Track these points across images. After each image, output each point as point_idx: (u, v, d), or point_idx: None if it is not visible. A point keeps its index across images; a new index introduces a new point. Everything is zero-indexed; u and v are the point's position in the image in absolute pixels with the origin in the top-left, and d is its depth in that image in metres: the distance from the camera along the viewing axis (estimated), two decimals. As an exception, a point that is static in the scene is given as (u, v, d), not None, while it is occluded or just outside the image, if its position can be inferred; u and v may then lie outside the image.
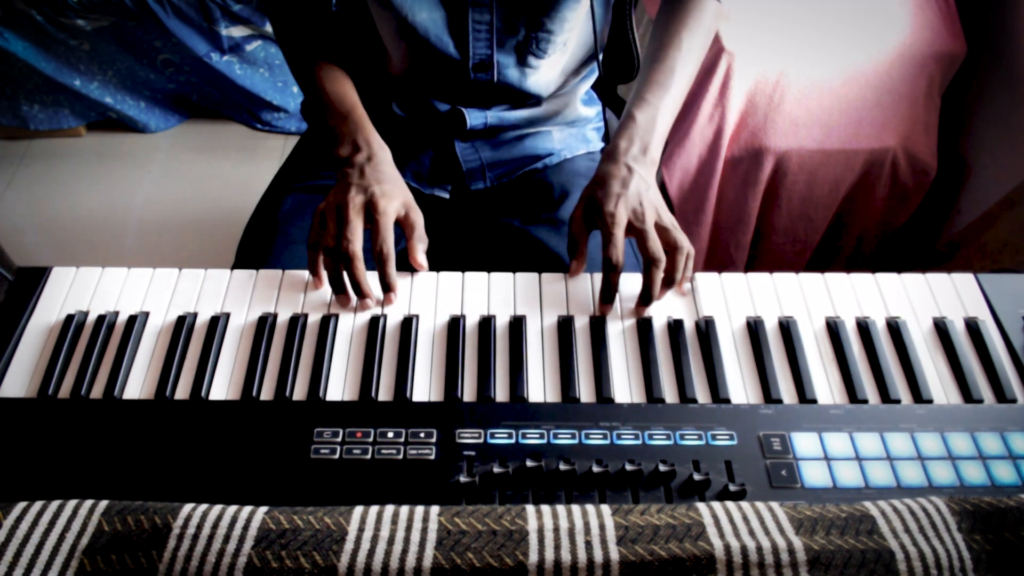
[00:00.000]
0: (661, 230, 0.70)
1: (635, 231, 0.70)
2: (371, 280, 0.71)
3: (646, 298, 0.68)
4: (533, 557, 0.42)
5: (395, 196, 0.73)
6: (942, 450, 0.60)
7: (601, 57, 0.88)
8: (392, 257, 0.69)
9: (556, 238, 0.86)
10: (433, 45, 0.81)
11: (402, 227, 0.74)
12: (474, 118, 0.90)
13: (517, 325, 0.68)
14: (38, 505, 0.44)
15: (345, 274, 0.69)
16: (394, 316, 0.70)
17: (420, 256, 0.73)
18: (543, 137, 0.96)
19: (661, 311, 0.70)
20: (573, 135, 0.99)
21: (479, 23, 0.80)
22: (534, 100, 0.91)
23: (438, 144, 0.93)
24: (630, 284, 0.73)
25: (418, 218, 0.74)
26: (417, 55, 0.84)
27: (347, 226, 0.69)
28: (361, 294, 0.69)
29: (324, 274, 0.71)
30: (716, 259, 1.51)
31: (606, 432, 0.61)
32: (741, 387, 0.65)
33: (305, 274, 0.73)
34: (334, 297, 0.70)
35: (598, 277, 0.73)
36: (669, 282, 0.69)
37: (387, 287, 0.69)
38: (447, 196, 0.96)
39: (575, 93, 0.96)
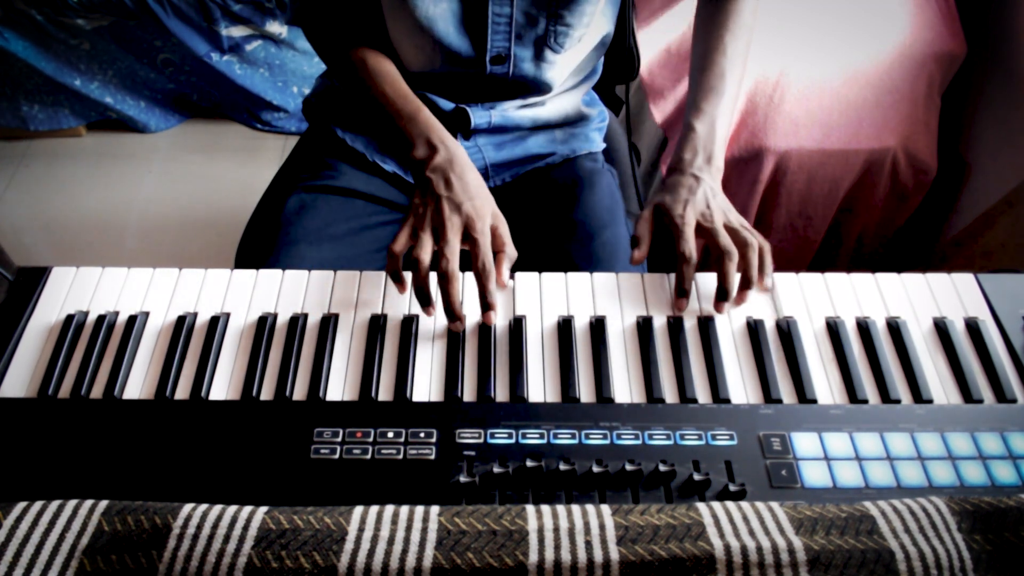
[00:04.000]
0: (731, 230, 0.72)
1: (704, 231, 0.72)
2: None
3: (722, 293, 0.69)
4: (533, 557, 0.42)
5: (487, 211, 0.72)
6: (942, 450, 0.60)
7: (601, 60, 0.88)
8: (494, 274, 0.69)
9: (559, 238, 0.86)
10: (451, 39, 0.82)
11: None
12: (478, 117, 0.90)
13: (517, 325, 0.68)
14: (38, 505, 0.44)
15: (439, 290, 0.68)
16: (394, 316, 0.70)
17: (505, 273, 0.71)
18: (546, 137, 0.96)
19: (661, 310, 0.70)
20: (576, 135, 0.99)
21: (499, 16, 0.80)
22: (541, 92, 0.91)
23: None
24: (630, 283, 0.73)
25: (506, 230, 0.74)
26: (433, 49, 0.84)
27: (447, 246, 0.68)
28: (454, 316, 0.67)
29: (408, 283, 0.71)
30: (716, 259, 1.51)
31: (606, 432, 0.61)
32: (741, 387, 0.65)
33: (305, 274, 0.73)
34: (419, 307, 0.69)
35: (597, 276, 0.73)
36: (746, 282, 0.70)
37: (487, 305, 0.68)
38: None
39: (578, 93, 0.97)
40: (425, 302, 0.68)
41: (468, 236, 0.70)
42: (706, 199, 0.74)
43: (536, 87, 0.89)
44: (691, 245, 0.70)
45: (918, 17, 1.29)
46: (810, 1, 1.31)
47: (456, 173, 0.74)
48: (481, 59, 0.84)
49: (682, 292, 0.69)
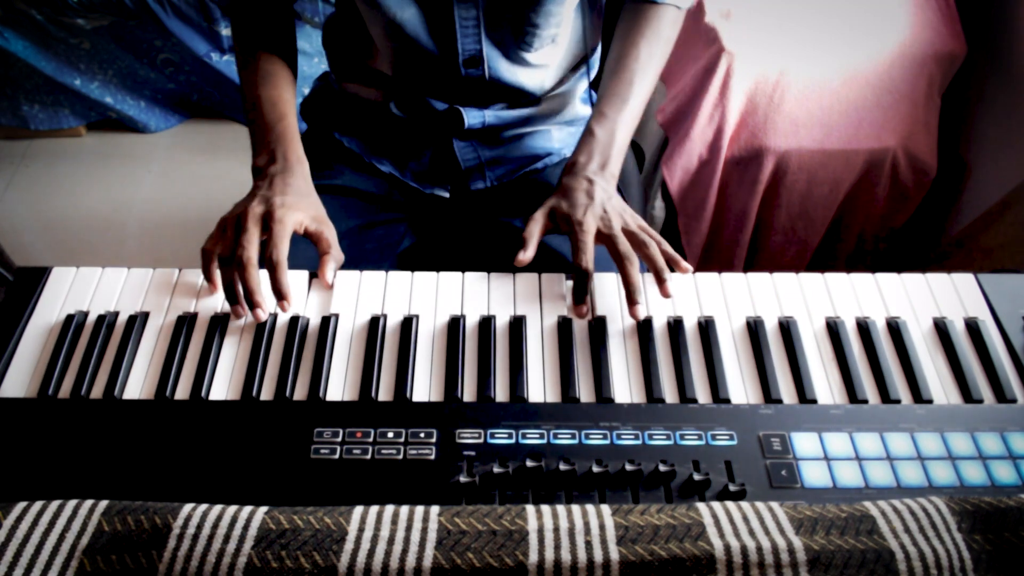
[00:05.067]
0: (628, 234, 0.73)
1: (603, 237, 0.72)
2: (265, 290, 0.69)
3: (631, 297, 0.69)
4: (533, 557, 0.42)
5: (298, 208, 0.72)
6: (942, 450, 0.60)
7: (597, 55, 0.88)
8: (284, 264, 0.68)
9: (558, 238, 0.86)
10: (422, 42, 0.81)
11: (314, 243, 0.74)
12: (472, 117, 0.90)
13: (517, 325, 0.68)
14: (38, 505, 0.44)
15: (239, 281, 0.68)
16: (394, 316, 0.70)
17: (329, 274, 0.72)
18: (542, 136, 0.96)
19: (661, 311, 0.70)
20: (572, 134, 0.99)
21: (465, 18, 0.80)
22: (532, 98, 0.91)
23: (437, 143, 0.93)
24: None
25: (332, 234, 0.74)
26: (408, 53, 0.84)
27: (244, 234, 0.69)
28: (252, 304, 0.67)
29: (219, 281, 0.70)
30: (716, 259, 1.51)
31: (606, 432, 0.61)
32: (741, 387, 0.65)
33: (306, 274, 0.73)
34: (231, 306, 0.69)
35: (596, 277, 0.73)
36: (658, 277, 0.70)
37: (280, 294, 0.68)
38: (447, 195, 0.96)
39: (573, 92, 0.96)
40: (231, 299, 0.68)
41: (267, 227, 0.70)
42: (602, 203, 0.74)
43: (520, 91, 0.88)
44: (590, 256, 0.71)
45: (918, 17, 1.29)
46: (810, 1, 1.31)
47: (283, 177, 0.74)
48: (454, 61, 0.83)
49: (580, 300, 0.70)
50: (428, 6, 0.79)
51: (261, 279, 0.69)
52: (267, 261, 0.68)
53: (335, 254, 0.73)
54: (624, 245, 0.71)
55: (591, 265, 0.70)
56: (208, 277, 0.71)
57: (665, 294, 0.70)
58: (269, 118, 0.79)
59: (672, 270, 0.71)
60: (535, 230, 0.75)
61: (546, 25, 0.82)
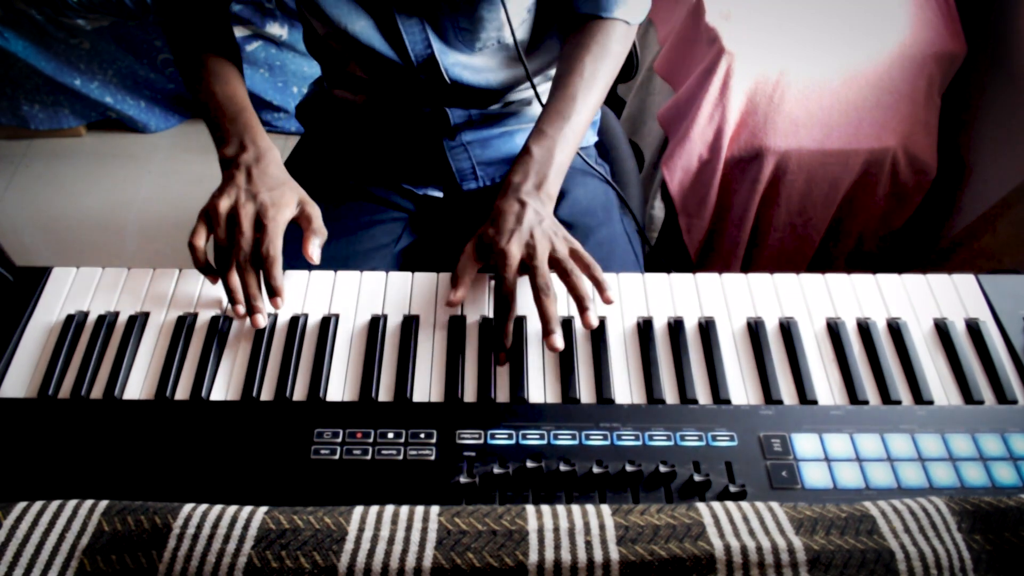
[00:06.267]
0: (554, 262, 0.69)
1: (527, 268, 0.69)
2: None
3: (545, 329, 0.65)
4: (533, 557, 0.42)
5: (286, 204, 0.72)
6: (942, 451, 0.60)
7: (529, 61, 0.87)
8: (279, 260, 0.68)
9: None
10: (378, 50, 0.81)
11: (298, 223, 0.74)
12: (457, 116, 0.90)
13: (518, 325, 0.68)
14: (38, 505, 0.44)
15: (237, 280, 0.68)
16: (394, 317, 0.70)
17: (313, 248, 0.71)
18: None
19: (661, 312, 0.70)
20: None
21: (410, 26, 0.80)
22: (504, 98, 0.90)
23: (427, 145, 0.93)
24: (630, 283, 0.73)
25: (314, 211, 0.74)
26: (369, 62, 0.83)
27: (241, 236, 0.69)
28: (252, 309, 0.68)
29: (232, 279, 0.70)
30: (716, 259, 1.51)
31: (606, 433, 0.61)
32: (741, 388, 0.65)
33: (306, 274, 0.73)
34: (230, 306, 0.70)
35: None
36: (581, 309, 0.67)
37: (272, 291, 0.68)
38: (440, 195, 0.96)
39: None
40: (236, 300, 0.68)
41: (260, 226, 0.70)
42: (531, 228, 0.70)
43: (492, 93, 0.88)
44: (509, 290, 0.67)
45: (918, 17, 1.29)
46: (810, 1, 1.31)
47: (259, 168, 0.74)
48: (411, 67, 0.83)
49: (499, 343, 0.66)
50: (377, 16, 0.79)
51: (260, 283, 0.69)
52: (263, 256, 0.68)
53: (316, 227, 0.73)
54: (542, 279, 0.67)
55: (511, 301, 0.67)
56: (204, 270, 0.71)
57: (586, 324, 0.66)
58: (230, 112, 0.78)
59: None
60: (466, 266, 0.71)
61: (479, 29, 0.81)
